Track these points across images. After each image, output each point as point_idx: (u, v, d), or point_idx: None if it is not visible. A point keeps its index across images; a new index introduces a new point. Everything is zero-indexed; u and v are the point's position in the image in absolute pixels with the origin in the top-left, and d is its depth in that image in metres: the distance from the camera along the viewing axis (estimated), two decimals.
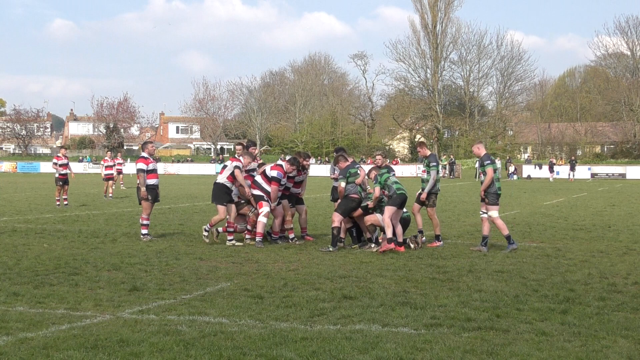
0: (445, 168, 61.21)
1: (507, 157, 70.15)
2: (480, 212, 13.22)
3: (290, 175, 14.12)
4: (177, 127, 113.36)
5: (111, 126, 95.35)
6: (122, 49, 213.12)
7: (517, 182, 53.18)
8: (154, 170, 14.33)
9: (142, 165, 14.08)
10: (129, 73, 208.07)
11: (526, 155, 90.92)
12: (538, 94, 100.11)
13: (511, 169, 61.12)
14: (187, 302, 8.33)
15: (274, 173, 13.70)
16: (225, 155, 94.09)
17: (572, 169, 60.44)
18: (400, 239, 12.70)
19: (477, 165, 60.53)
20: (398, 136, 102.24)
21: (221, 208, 13.64)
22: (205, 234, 13.77)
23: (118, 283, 9.47)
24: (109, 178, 28.94)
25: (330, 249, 12.78)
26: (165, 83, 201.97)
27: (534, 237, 15.12)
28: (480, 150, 13.19)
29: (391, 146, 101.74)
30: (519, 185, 45.08)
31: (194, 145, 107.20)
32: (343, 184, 13.29)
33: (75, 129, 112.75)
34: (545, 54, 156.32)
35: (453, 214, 19.97)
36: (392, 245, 12.41)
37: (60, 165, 24.13)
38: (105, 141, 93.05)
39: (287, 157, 14.99)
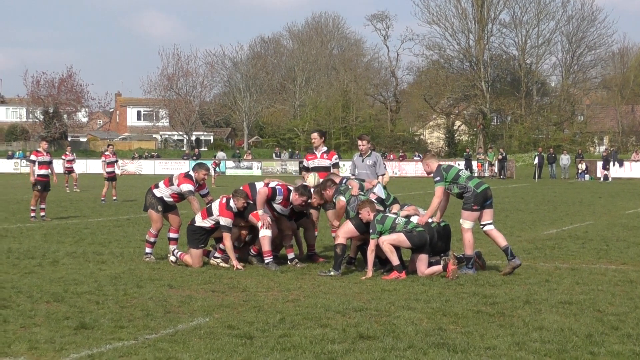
0: (493, 165, 61.21)
1: (578, 151, 69.98)
2: (481, 225, 13.17)
3: (295, 207, 14.19)
4: (139, 112, 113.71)
5: (51, 111, 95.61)
6: (64, 10, 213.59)
7: (590, 183, 53.15)
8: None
9: (190, 187, 14.48)
10: (74, 41, 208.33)
11: (602, 148, 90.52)
12: (618, 66, 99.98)
13: (581, 166, 60.96)
14: (152, 343, 8.35)
15: (277, 187, 13.99)
16: (203, 149, 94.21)
17: None
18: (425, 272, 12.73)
19: (535, 161, 60.47)
20: (431, 123, 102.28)
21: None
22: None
23: (60, 319, 9.48)
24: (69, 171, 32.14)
25: (332, 273, 12.82)
26: (123, 54, 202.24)
27: (612, 257, 15.09)
28: (432, 165, 13.31)
29: (421, 137, 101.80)
30: (593, 188, 45.04)
31: (161, 135, 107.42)
32: (343, 198, 13.41)
33: (3, 115, 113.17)
34: (627, 13, 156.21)
35: (505, 226, 19.94)
36: (402, 275, 12.53)
37: (40, 164, 23.20)
38: (44, 131, 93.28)
39: (299, 183, 14.90)
